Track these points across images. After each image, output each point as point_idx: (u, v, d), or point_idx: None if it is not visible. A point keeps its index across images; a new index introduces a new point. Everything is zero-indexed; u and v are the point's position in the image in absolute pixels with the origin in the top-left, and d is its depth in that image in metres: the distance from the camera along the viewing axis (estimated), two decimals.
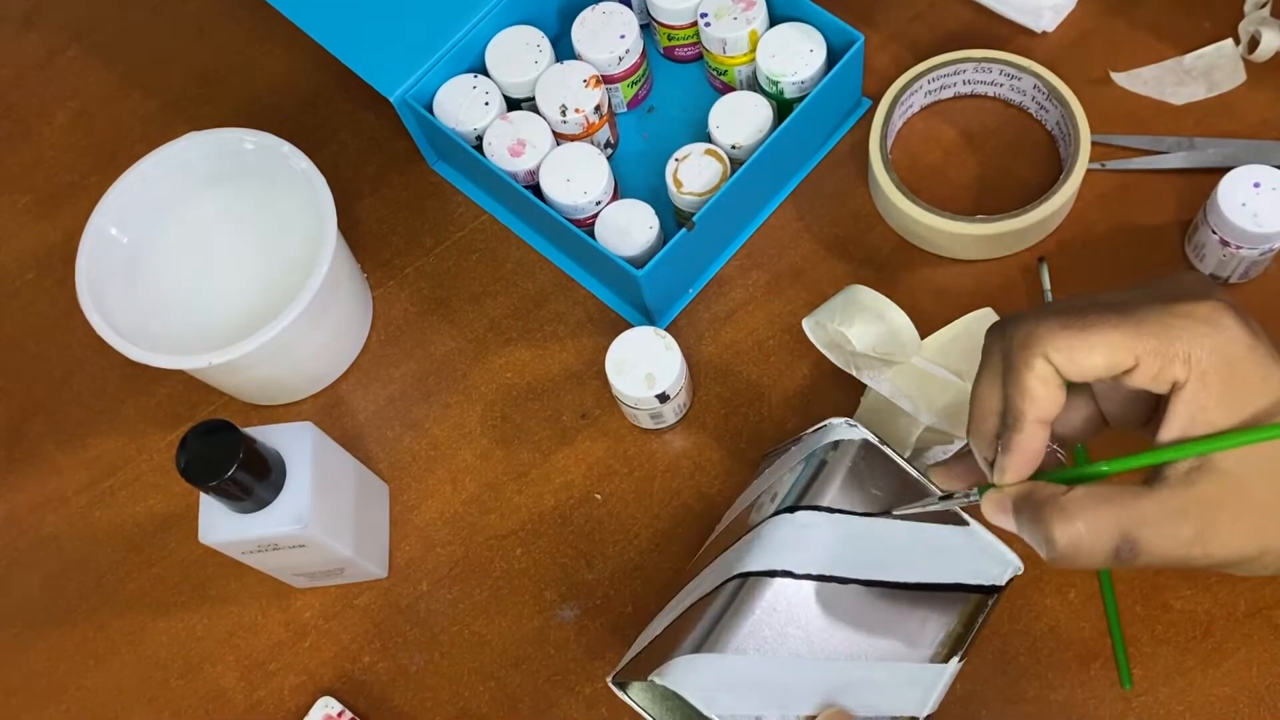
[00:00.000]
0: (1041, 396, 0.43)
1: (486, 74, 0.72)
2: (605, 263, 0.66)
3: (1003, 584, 0.51)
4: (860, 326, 0.61)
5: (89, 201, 0.67)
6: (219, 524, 0.56)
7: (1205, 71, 0.71)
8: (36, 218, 0.79)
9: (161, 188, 0.68)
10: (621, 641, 0.63)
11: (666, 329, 0.69)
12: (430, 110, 0.71)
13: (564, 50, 0.73)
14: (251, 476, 0.54)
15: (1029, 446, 0.44)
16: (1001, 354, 0.45)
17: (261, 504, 0.56)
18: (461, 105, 0.70)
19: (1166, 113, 0.71)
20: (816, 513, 0.51)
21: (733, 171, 0.67)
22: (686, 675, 0.49)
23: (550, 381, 0.69)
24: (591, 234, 0.67)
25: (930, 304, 0.66)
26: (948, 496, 0.49)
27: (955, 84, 0.72)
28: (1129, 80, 0.72)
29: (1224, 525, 0.41)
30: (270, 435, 0.57)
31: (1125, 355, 0.41)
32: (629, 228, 0.67)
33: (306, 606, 0.66)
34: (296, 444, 0.57)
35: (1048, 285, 0.67)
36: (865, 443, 0.53)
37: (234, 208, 0.70)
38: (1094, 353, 0.42)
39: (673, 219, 0.71)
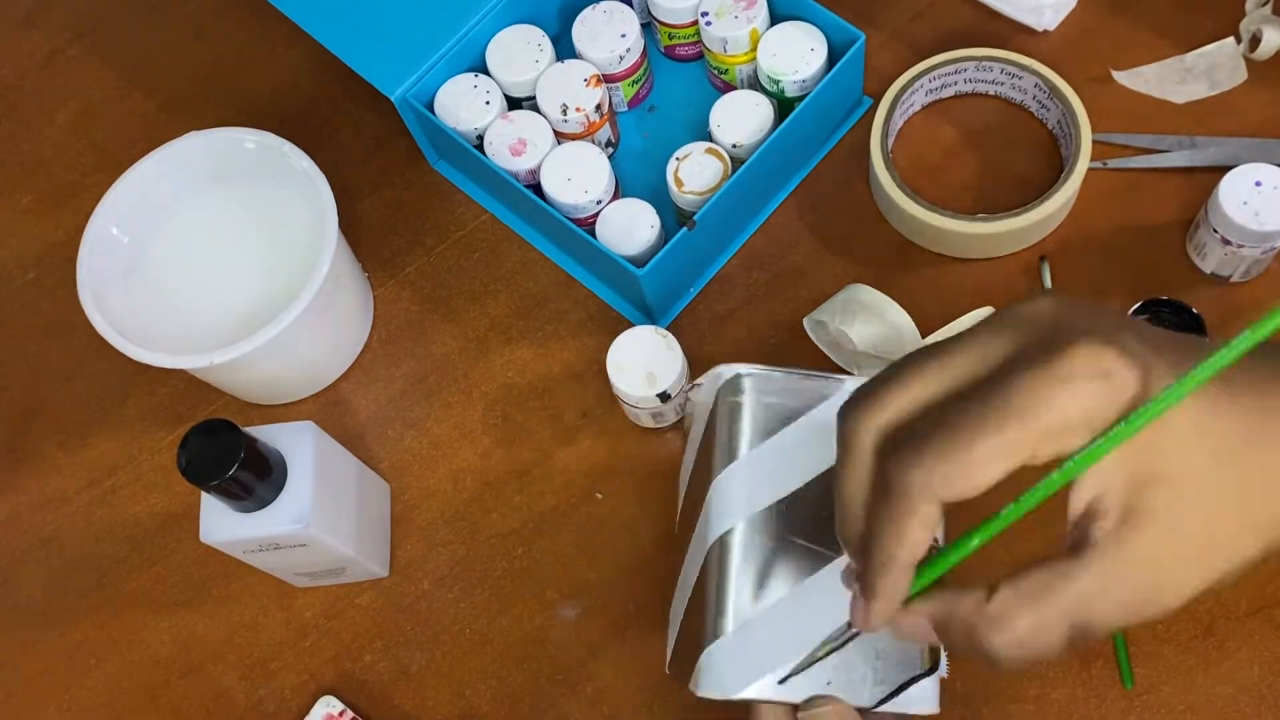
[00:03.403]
0: (921, 541, 0.37)
1: (487, 73, 0.72)
2: (606, 262, 0.66)
3: None
4: (861, 325, 0.61)
5: (90, 201, 0.67)
6: (220, 523, 0.56)
7: (1206, 70, 0.71)
8: (38, 217, 0.79)
9: (163, 187, 0.68)
10: (622, 640, 0.63)
11: (668, 328, 0.69)
12: (431, 109, 0.71)
13: (565, 49, 0.73)
14: (253, 476, 0.54)
15: (901, 587, 0.39)
16: (874, 470, 0.38)
17: (263, 503, 0.56)
18: (462, 104, 0.70)
19: (1168, 111, 0.71)
20: (739, 461, 0.51)
21: (733, 170, 0.67)
22: (724, 674, 0.49)
23: (551, 381, 0.69)
24: (592, 233, 0.67)
25: (931, 303, 0.66)
26: (828, 647, 0.46)
27: (956, 83, 0.72)
28: (1130, 79, 0.72)
29: (1172, 573, 0.37)
30: (271, 435, 0.57)
31: (1018, 458, 0.36)
32: (630, 227, 0.67)
33: (308, 606, 0.66)
34: (298, 443, 0.57)
35: (1049, 284, 0.67)
36: (750, 375, 0.52)
37: (235, 207, 0.70)
38: (986, 473, 0.36)
39: (674, 218, 0.71)
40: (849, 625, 0.43)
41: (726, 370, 0.53)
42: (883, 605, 0.39)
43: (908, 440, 0.37)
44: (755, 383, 0.53)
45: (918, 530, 0.37)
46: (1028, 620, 0.37)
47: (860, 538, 0.39)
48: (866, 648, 0.49)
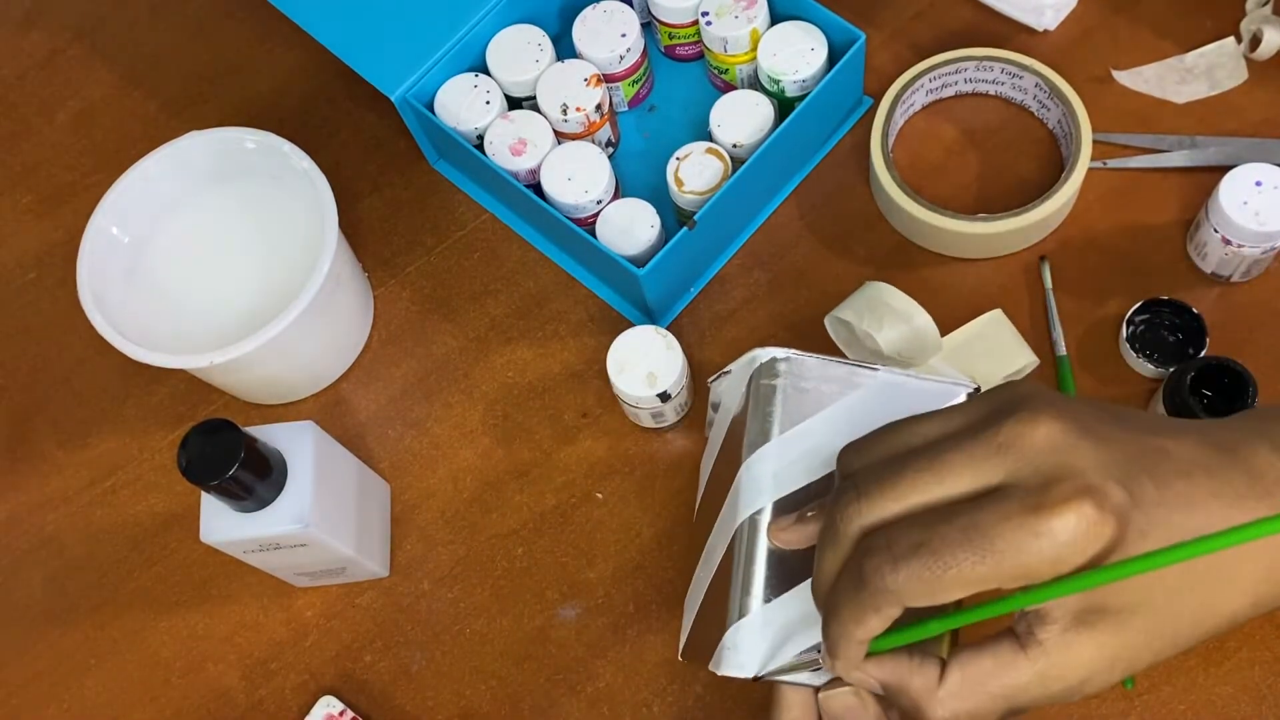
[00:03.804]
0: (877, 629, 0.41)
1: (487, 73, 0.72)
2: (606, 262, 0.66)
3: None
4: (889, 330, 0.61)
5: (90, 201, 0.67)
6: (220, 523, 0.56)
7: (1207, 70, 0.71)
8: (38, 217, 0.79)
9: (163, 187, 0.68)
10: (622, 640, 0.63)
11: (668, 328, 0.69)
12: (431, 109, 0.71)
13: (565, 49, 0.72)
14: (253, 476, 0.54)
15: (856, 655, 0.42)
16: (848, 559, 0.41)
17: (263, 503, 0.56)
18: (462, 104, 0.70)
19: (1168, 111, 0.71)
20: (769, 444, 0.52)
21: (734, 170, 0.67)
22: (750, 653, 0.49)
23: (551, 380, 0.69)
24: (593, 233, 0.67)
25: (932, 303, 0.66)
26: (803, 666, 0.47)
27: (956, 82, 0.72)
28: (1130, 79, 0.72)
29: (1099, 678, 0.40)
30: (271, 434, 0.57)
31: (985, 587, 0.38)
32: (630, 227, 0.67)
33: (308, 605, 0.66)
34: (298, 443, 0.57)
35: (1049, 284, 0.67)
36: (785, 359, 0.53)
37: (235, 207, 0.70)
38: (951, 595, 0.39)
39: (674, 218, 0.71)
40: (819, 654, 0.45)
41: (762, 353, 0.54)
42: (841, 665, 0.43)
43: (887, 548, 0.39)
44: (790, 367, 0.53)
45: (876, 622, 0.40)
46: (970, 704, 0.41)
47: (827, 602, 0.42)
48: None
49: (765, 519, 0.51)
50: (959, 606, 0.42)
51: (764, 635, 0.49)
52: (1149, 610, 0.40)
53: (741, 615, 0.50)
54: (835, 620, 0.41)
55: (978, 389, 0.49)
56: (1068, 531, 0.37)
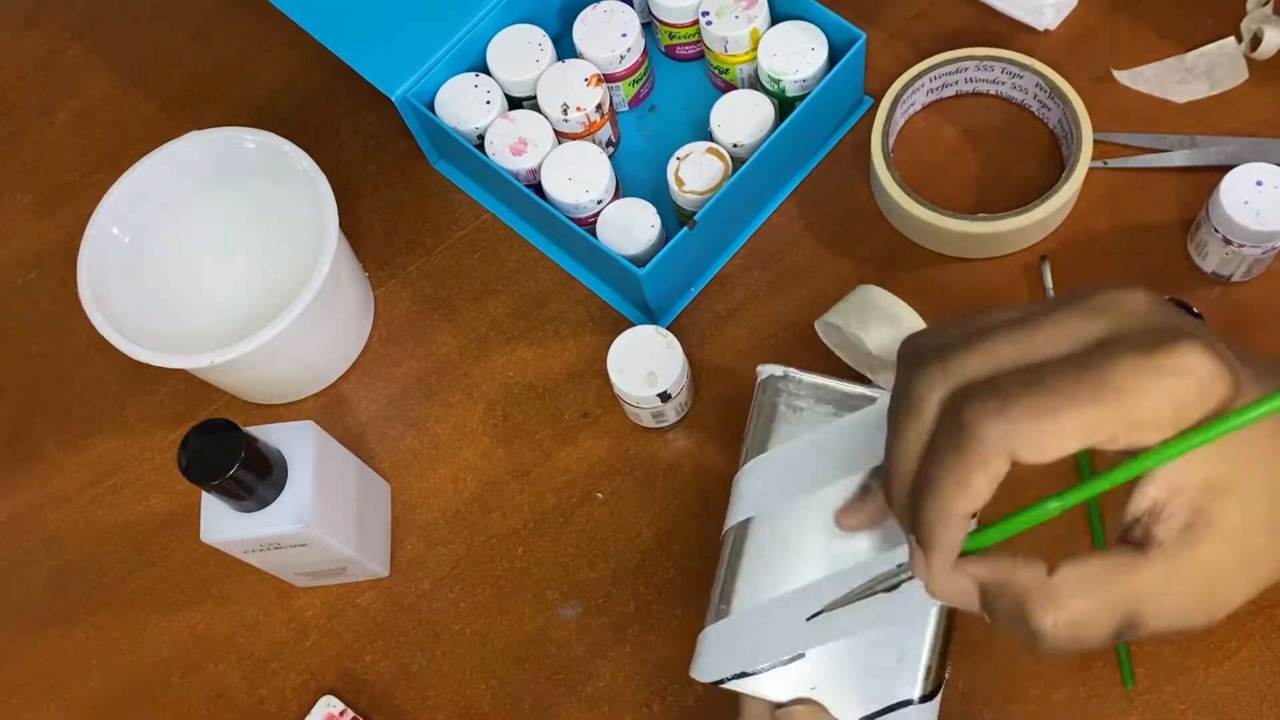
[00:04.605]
0: (983, 495, 0.36)
1: (488, 73, 0.72)
2: (607, 261, 0.66)
3: None
4: (876, 331, 0.61)
5: (91, 201, 0.67)
6: (221, 523, 0.56)
7: (1207, 69, 0.71)
8: (38, 217, 0.79)
9: (163, 187, 0.68)
10: (622, 640, 0.63)
11: (668, 328, 0.69)
12: (432, 109, 0.71)
13: (565, 49, 0.72)
14: (253, 475, 0.54)
15: (958, 539, 0.38)
16: (940, 420, 0.37)
17: (263, 503, 0.56)
18: (463, 104, 0.70)
19: (1169, 111, 0.71)
20: (765, 455, 0.53)
21: (734, 170, 0.67)
22: (712, 658, 0.51)
23: (552, 380, 0.69)
24: (593, 233, 0.67)
25: (932, 303, 0.65)
26: (874, 587, 0.45)
27: (957, 82, 0.72)
28: (1131, 78, 0.72)
29: (1228, 582, 0.37)
30: (272, 434, 0.57)
31: (1102, 435, 0.35)
32: (630, 226, 0.67)
33: (308, 605, 0.66)
34: (298, 443, 0.57)
35: (1050, 284, 0.67)
36: (785, 378, 0.55)
37: (236, 207, 0.70)
38: (1066, 443, 0.35)
39: (674, 218, 0.71)
40: (899, 569, 0.43)
41: (764, 370, 0.56)
42: (937, 559, 0.38)
43: (993, 392, 0.35)
44: (788, 385, 0.55)
45: (983, 483, 0.36)
46: (1085, 603, 0.36)
47: (913, 491, 0.38)
48: (860, 661, 0.49)
49: (752, 530, 0.52)
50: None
51: (732, 644, 0.50)
52: (1272, 495, 0.36)
53: (715, 620, 0.51)
54: (933, 495, 0.36)
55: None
56: (1190, 369, 0.34)
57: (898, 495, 0.39)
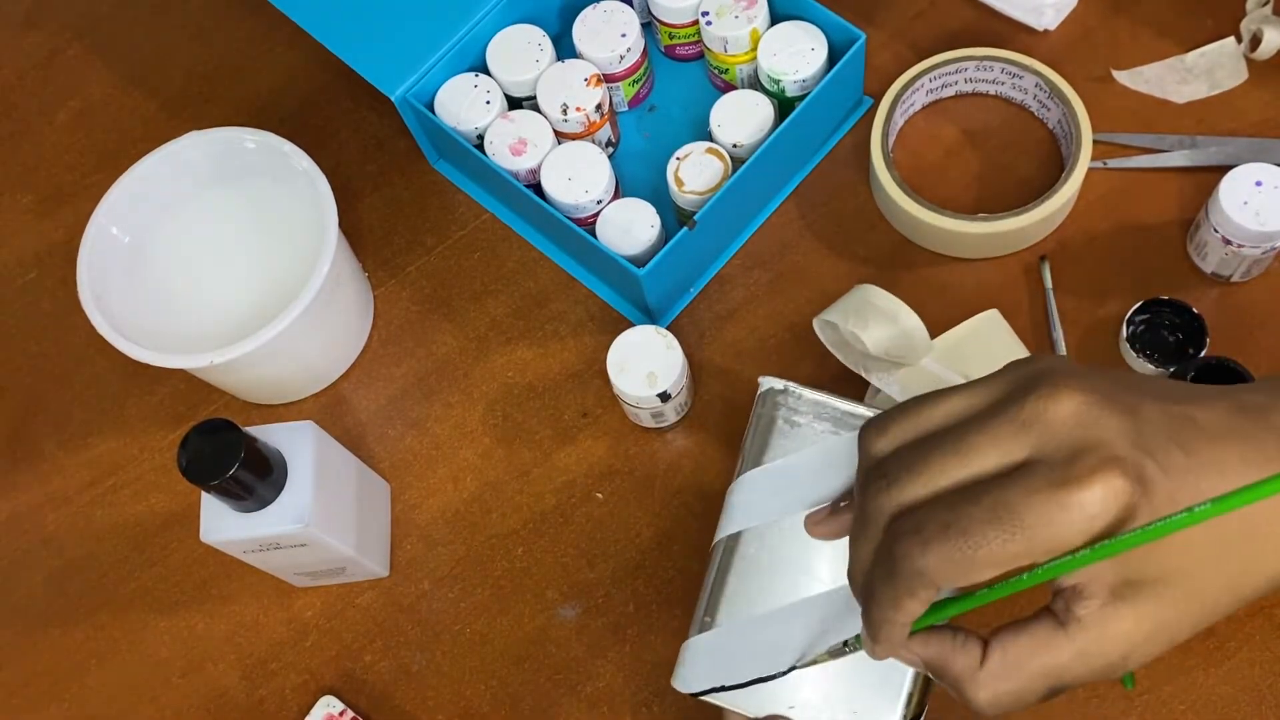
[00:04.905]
0: (916, 612, 0.40)
1: (488, 73, 0.72)
2: (606, 262, 0.66)
3: None
4: (875, 330, 0.61)
5: (90, 201, 0.67)
6: (221, 523, 0.56)
7: (1207, 70, 0.71)
8: (38, 217, 0.79)
9: (163, 187, 0.68)
10: (622, 640, 0.63)
11: (668, 328, 0.69)
12: (431, 109, 0.71)
13: (565, 49, 0.72)
14: (253, 475, 0.54)
15: (898, 638, 0.42)
16: (882, 542, 0.41)
17: (263, 503, 0.56)
18: (463, 104, 0.70)
19: (1168, 111, 0.71)
20: (758, 469, 0.53)
21: (734, 170, 0.67)
22: (693, 669, 0.50)
23: (551, 380, 0.69)
24: (593, 233, 0.67)
25: (932, 302, 0.66)
26: (840, 650, 0.47)
27: (957, 82, 0.72)
28: (1131, 78, 0.72)
29: (1142, 650, 0.40)
30: (271, 434, 0.57)
31: (1017, 564, 0.38)
32: (630, 227, 0.67)
33: (308, 605, 0.66)
34: (298, 443, 0.57)
35: (1049, 284, 0.67)
36: (782, 391, 0.55)
37: (235, 207, 0.70)
38: (984, 575, 0.38)
39: (674, 218, 0.71)
40: (851, 642, 0.45)
41: (764, 382, 0.56)
42: (883, 649, 0.42)
43: (917, 532, 0.39)
44: (787, 400, 0.55)
45: (913, 605, 0.40)
46: (1012, 685, 0.41)
47: (864, 589, 0.42)
48: (840, 684, 0.49)
49: (740, 544, 0.52)
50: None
51: (713, 657, 0.50)
52: (1185, 578, 0.39)
53: (699, 631, 0.51)
54: (875, 606, 0.41)
55: None
56: (1096, 503, 0.37)
57: (855, 586, 0.43)
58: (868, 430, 0.43)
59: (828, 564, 0.51)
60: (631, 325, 0.67)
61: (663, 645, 0.63)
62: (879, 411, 0.52)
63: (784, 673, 0.48)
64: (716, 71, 0.73)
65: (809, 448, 0.53)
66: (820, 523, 0.47)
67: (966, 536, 0.38)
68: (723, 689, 0.50)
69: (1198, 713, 0.58)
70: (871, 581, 0.41)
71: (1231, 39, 0.71)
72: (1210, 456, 0.39)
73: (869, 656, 0.43)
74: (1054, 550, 0.37)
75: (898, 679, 0.49)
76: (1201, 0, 0.73)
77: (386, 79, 0.69)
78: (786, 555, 0.51)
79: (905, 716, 0.49)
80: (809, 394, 0.55)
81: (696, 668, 0.51)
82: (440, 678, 0.64)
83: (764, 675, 0.49)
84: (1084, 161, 0.66)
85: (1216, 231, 0.63)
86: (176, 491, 0.70)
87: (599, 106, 0.70)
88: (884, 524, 0.41)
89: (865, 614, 0.42)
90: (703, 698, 0.50)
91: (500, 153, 0.69)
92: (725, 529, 0.53)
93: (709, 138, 0.69)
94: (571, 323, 0.70)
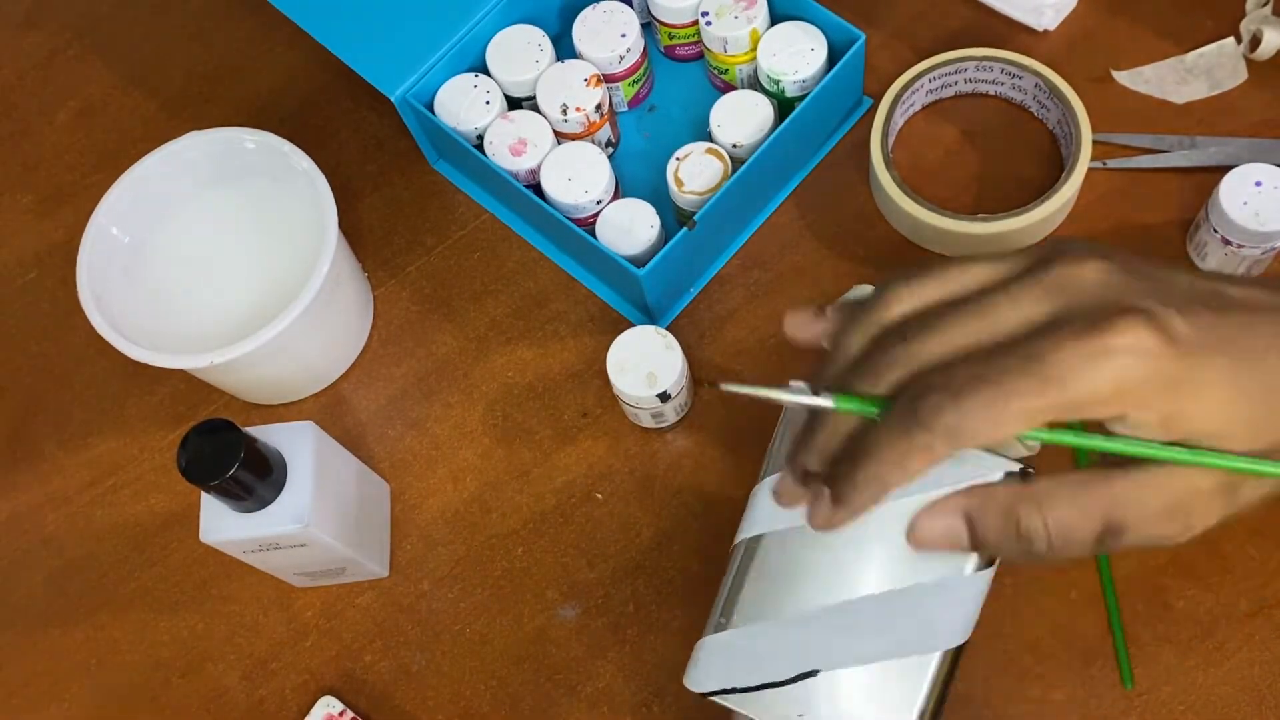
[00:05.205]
0: (917, 476, 0.39)
1: (487, 73, 0.72)
2: (606, 262, 0.66)
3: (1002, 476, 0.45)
4: None
5: (90, 201, 0.67)
6: (220, 523, 0.56)
7: (1207, 70, 0.71)
8: (38, 217, 0.79)
9: (163, 187, 0.68)
10: (622, 641, 0.63)
11: (668, 328, 0.69)
12: (431, 109, 0.71)
13: (565, 49, 0.72)
14: (253, 476, 0.54)
15: (869, 507, 0.40)
16: (898, 402, 0.39)
17: (263, 503, 0.56)
18: (462, 104, 0.70)
19: (1168, 111, 0.71)
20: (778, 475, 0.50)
21: (734, 171, 0.67)
22: (705, 670, 0.50)
23: (551, 381, 0.69)
24: (593, 233, 0.67)
25: None
26: (793, 401, 0.43)
27: (956, 83, 0.72)
28: (1130, 79, 0.72)
29: (1203, 500, 0.39)
30: (271, 434, 0.57)
31: (1044, 419, 0.37)
32: (630, 227, 0.67)
33: (308, 606, 0.66)
34: (298, 443, 0.57)
35: None
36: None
37: (235, 207, 0.70)
38: (1011, 431, 0.37)
39: (674, 218, 0.71)
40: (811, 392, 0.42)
41: (796, 385, 0.53)
42: (848, 516, 0.41)
43: (945, 385, 0.37)
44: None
45: (920, 464, 0.38)
46: (1066, 506, 0.39)
47: (848, 449, 0.40)
48: (853, 696, 0.48)
49: (760, 546, 0.51)
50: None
51: (725, 657, 0.50)
52: (1247, 426, 0.38)
53: (714, 632, 0.50)
54: (871, 462, 0.39)
55: (1023, 469, 0.45)
56: (1127, 350, 0.36)
57: (822, 443, 0.41)
58: (885, 291, 0.41)
59: (850, 573, 0.50)
60: (631, 325, 0.67)
61: (663, 645, 0.63)
62: None
63: (796, 679, 0.48)
64: (716, 72, 0.73)
65: None
66: (787, 493, 0.44)
67: (999, 387, 0.37)
68: (733, 691, 0.50)
69: (1197, 713, 0.58)
70: (873, 438, 0.39)
71: (1231, 39, 0.71)
72: (1239, 319, 0.38)
73: (818, 524, 0.41)
74: (1081, 405, 0.37)
75: (912, 692, 0.49)
76: (1201, 1, 0.73)
77: (386, 79, 0.69)
78: (809, 560, 0.50)
79: None
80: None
81: (710, 667, 0.50)
82: (440, 678, 0.64)
83: (776, 680, 0.49)
84: (1084, 162, 0.66)
85: (1216, 232, 0.63)
86: (176, 492, 0.70)
87: (599, 107, 0.70)
88: (893, 381, 0.39)
89: (851, 471, 0.40)
90: (713, 698, 0.50)
91: (500, 153, 0.69)
92: (747, 530, 0.52)
93: (709, 138, 0.69)
94: (571, 323, 0.71)
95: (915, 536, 0.42)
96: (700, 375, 0.68)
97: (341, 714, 0.63)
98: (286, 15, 0.71)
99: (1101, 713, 0.58)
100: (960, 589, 0.48)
